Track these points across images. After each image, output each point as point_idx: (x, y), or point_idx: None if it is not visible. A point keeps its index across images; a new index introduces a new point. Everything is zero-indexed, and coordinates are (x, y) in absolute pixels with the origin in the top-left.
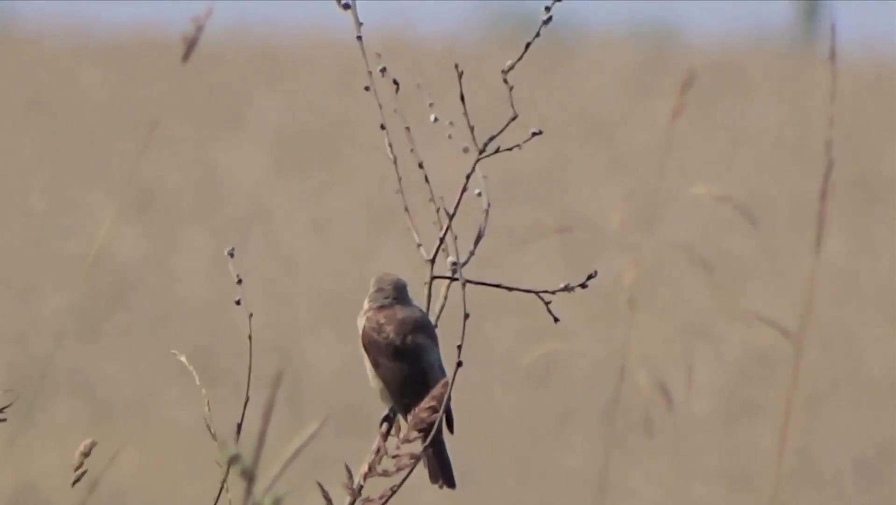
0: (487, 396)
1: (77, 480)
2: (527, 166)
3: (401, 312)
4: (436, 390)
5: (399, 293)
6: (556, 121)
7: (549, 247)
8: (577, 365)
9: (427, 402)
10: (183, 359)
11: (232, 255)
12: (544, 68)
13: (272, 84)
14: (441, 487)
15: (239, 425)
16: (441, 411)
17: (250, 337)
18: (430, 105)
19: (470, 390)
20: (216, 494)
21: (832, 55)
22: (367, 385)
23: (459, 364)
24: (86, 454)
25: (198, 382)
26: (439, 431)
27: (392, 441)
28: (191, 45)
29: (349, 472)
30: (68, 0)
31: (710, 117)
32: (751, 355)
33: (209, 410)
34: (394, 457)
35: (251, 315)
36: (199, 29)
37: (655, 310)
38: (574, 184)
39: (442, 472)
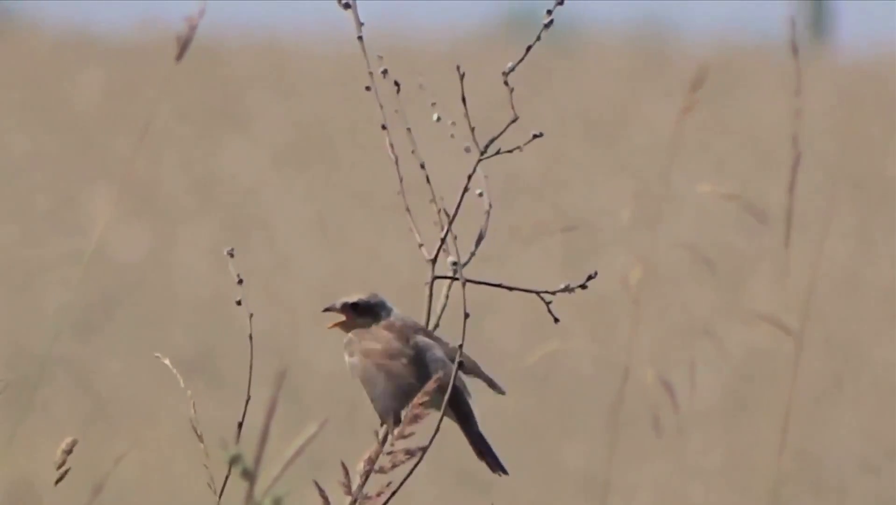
0: (489, 396)
1: (60, 479)
2: (528, 166)
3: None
4: (428, 386)
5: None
6: (556, 120)
7: (551, 246)
8: (580, 364)
9: (420, 397)
10: (166, 362)
11: (232, 255)
12: (545, 68)
13: (273, 83)
14: (500, 475)
15: (240, 425)
16: (443, 408)
17: (251, 337)
18: (433, 105)
19: (470, 390)
20: (215, 494)
21: (795, 50)
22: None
23: (460, 364)
24: (68, 452)
25: (182, 385)
26: (473, 423)
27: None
28: (184, 44)
29: (345, 470)
30: (69, 0)
31: (710, 116)
32: (753, 354)
33: (195, 411)
34: (388, 453)
35: (252, 315)
36: (193, 29)
37: (657, 309)
38: (575, 183)
39: (490, 460)
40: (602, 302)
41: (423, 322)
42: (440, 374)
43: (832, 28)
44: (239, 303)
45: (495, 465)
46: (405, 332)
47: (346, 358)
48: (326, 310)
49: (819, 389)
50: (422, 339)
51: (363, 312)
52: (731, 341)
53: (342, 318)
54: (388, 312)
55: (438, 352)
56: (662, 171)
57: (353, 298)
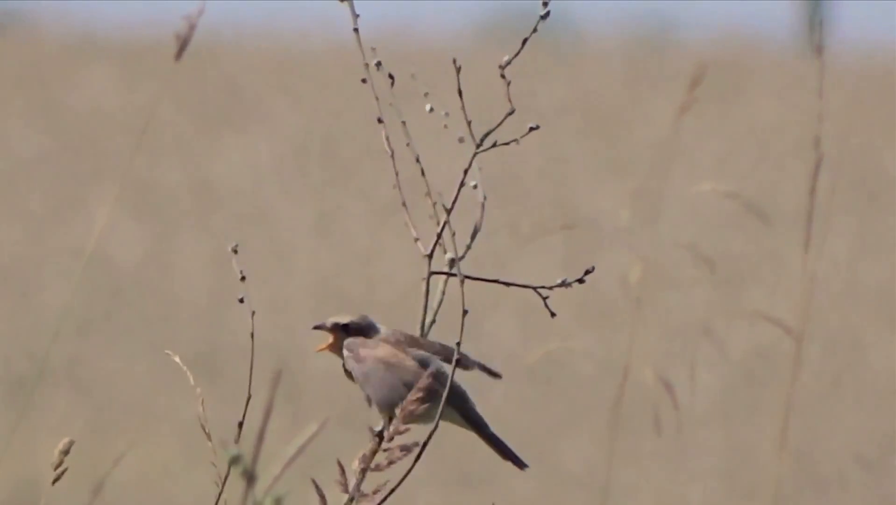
0: (488, 396)
1: (57, 479)
2: (528, 164)
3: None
4: (421, 382)
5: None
6: (556, 119)
7: (551, 247)
8: (580, 364)
9: (414, 393)
10: (177, 359)
11: (236, 251)
12: (545, 66)
13: (273, 83)
14: (523, 469)
15: (240, 424)
16: (439, 407)
17: (252, 335)
18: (426, 95)
19: (471, 389)
20: (215, 494)
21: (819, 51)
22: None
23: (458, 361)
24: (65, 453)
25: (192, 382)
26: (485, 426)
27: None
28: (183, 43)
29: (341, 468)
30: (70, 0)
31: (711, 115)
32: (753, 354)
33: (203, 409)
34: (385, 451)
35: (253, 313)
36: (192, 27)
37: (658, 309)
38: (576, 182)
39: (508, 456)
40: (602, 302)
41: (419, 318)
42: (434, 367)
43: (832, 28)
44: (242, 300)
45: (518, 462)
46: (402, 346)
47: (347, 355)
48: (316, 328)
49: (819, 389)
50: (420, 352)
51: (353, 334)
52: (731, 341)
53: (331, 339)
54: (377, 332)
55: (438, 363)
56: (663, 169)
57: (343, 319)
